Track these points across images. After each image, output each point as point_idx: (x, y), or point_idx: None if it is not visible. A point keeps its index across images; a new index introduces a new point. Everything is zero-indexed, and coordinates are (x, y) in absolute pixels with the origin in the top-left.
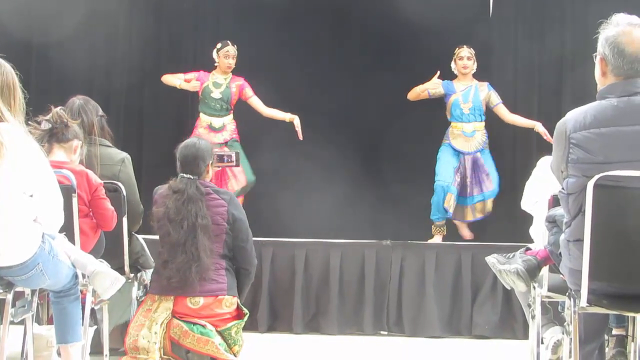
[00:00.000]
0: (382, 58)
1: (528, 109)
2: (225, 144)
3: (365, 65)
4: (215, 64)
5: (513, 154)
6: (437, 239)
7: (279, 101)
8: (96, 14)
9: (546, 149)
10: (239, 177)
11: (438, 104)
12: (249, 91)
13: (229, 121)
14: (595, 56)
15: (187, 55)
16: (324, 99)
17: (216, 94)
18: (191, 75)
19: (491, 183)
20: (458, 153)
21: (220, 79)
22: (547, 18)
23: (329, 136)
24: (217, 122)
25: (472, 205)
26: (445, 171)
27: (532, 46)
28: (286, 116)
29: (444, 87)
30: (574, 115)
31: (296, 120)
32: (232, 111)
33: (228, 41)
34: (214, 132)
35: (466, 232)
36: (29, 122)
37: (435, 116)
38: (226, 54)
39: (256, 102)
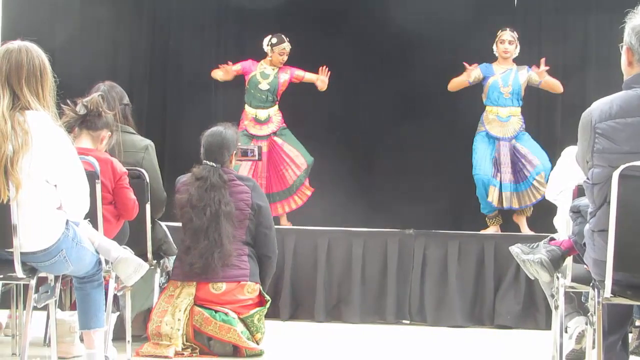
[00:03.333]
0: (402, 42)
1: (552, 103)
2: (274, 134)
3: (386, 52)
4: (269, 57)
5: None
6: (492, 230)
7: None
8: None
9: (571, 139)
10: (298, 161)
11: (465, 94)
12: (299, 73)
13: (274, 112)
14: (622, 46)
15: (210, 39)
16: (350, 89)
17: (264, 85)
18: (238, 66)
19: (535, 159)
20: (493, 140)
21: (269, 69)
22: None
23: (353, 125)
24: (262, 114)
25: (524, 191)
26: (483, 163)
27: (556, 45)
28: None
29: (482, 71)
30: (599, 105)
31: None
32: (277, 102)
33: (283, 36)
34: (259, 124)
35: (525, 229)
36: (67, 102)
37: (462, 106)
38: (282, 51)
39: (307, 76)
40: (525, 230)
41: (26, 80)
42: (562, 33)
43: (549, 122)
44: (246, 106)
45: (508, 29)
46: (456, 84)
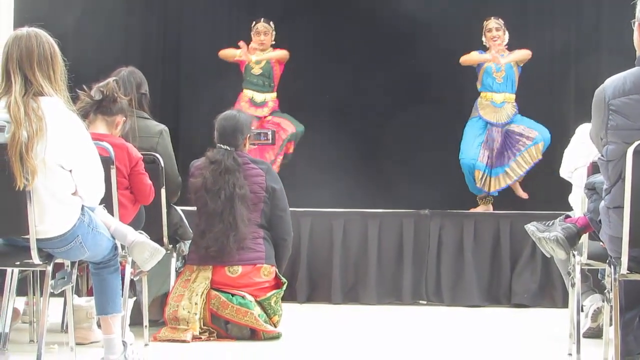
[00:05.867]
0: (410, 24)
1: (564, 87)
2: (265, 118)
3: (394, 34)
4: (253, 43)
5: (551, 121)
6: (481, 209)
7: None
8: None
9: (584, 116)
10: (283, 125)
11: (474, 75)
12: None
13: (271, 98)
14: (634, 22)
15: (222, 24)
16: (360, 71)
17: (256, 69)
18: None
19: (532, 132)
20: (485, 125)
21: (259, 54)
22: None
23: (365, 106)
24: (258, 97)
25: (509, 167)
26: (469, 147)
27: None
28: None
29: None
30: (612, 82)
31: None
32: (275, 89)
33: (262, 18)
34: (254, 106)
35: (520, 192)
36: (83, 88)
37: (473, 87)
38: (256, 31)
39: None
40: (520, 192)
41: (38, 65)
42: (574, 16)
43: (561, 106)
44: (244, 89)
45: (492, 18)
46: (470, 61)
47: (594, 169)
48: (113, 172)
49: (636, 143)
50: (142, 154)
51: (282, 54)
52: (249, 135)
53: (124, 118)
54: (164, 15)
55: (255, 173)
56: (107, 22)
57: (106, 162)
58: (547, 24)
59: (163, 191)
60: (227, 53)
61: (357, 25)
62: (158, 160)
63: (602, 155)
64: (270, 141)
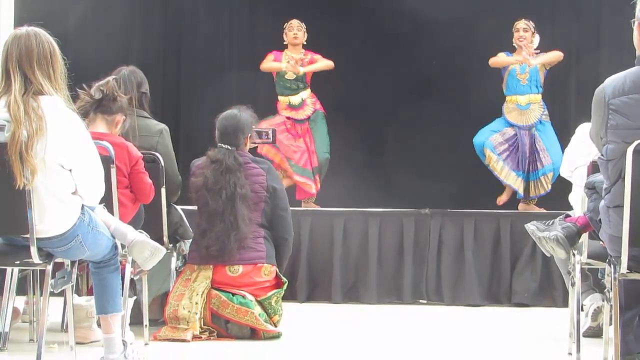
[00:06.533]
0: (415, 24)
1: (565, 85)
2: (308, 119)
3: (399, 33)
4: (285, 42)
5: (551, 120)
6: (522, 207)
7: None
8: None
9: (585, 115)
10: (312, 158)
11: (476, 74)
12: (317, 57)
13: (307, 95)
14: (634, 22)
15: (223, 23)
16: (363, 70)
17: (290, 74)
18: (270, 57)
19: (547, 157)
20: (511, 125)
21: (307, 68)
22: None
23: (367, 104)
24: (295, 99)
25: (533, 181)
26: (483, 132)
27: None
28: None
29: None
30: (612, 81)
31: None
32: (309, 86)
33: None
34: (295, 110)
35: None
36: (83, 87)
37: (475, 86)
38: (289, 27)
39: (317, 65)
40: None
41: (37, 64)
42: (575, 14)
43: (563, 104)
44: (279, 97)
45: (523, 19)
46: (498, 62)
47: (594, 168)
48: (113, 171)
49: (636, 142)
50: (142, 153)
51: (328, 65)
52: (250, 134)
53: (124, 117)
54: (164, 14)
55: (256, 172)
56: (107, 22)
57: (106, 161)
58: (548, 22)
59: (163, 190)
60: (271, 66)
61: (361, 23)
62: (158, 159)
63: (602, 155)
64: (271, 140)
